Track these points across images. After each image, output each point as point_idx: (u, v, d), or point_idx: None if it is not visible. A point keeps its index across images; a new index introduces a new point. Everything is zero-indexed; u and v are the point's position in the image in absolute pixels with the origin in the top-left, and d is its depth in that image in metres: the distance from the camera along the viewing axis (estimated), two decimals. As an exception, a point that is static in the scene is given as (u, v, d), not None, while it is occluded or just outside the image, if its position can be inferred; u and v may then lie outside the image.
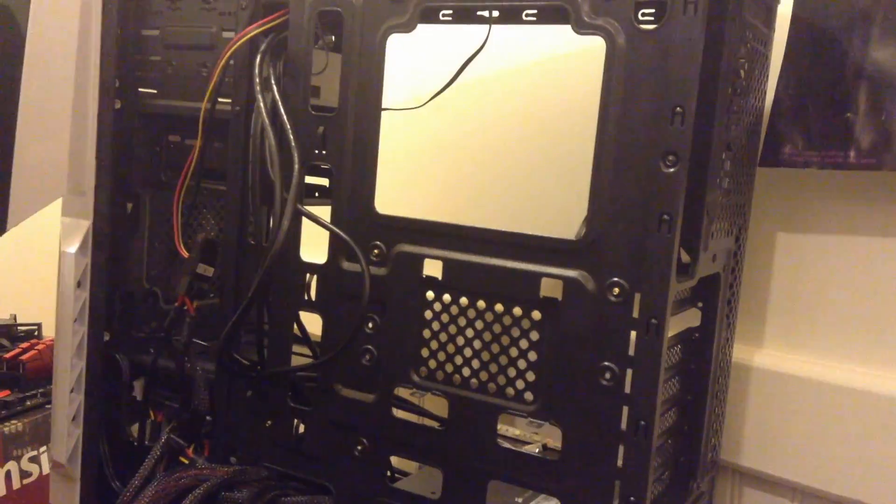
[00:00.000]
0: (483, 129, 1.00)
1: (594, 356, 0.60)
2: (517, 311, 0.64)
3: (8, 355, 1.32)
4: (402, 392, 0.71)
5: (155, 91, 0.83)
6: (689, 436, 0.72)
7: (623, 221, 0.59)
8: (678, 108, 0.56)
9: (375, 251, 0.69)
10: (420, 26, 0.66)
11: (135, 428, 0.87)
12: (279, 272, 0.73)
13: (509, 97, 0.98)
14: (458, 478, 0.67)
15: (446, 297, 0.67)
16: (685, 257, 0.61)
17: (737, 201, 0.73)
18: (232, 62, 0.75)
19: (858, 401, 0.76)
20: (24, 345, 1.36)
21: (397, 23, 0.66)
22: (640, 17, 0.57)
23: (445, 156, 1.04)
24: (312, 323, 0.76)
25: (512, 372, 0.64)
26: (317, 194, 0.79)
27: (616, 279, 0.59)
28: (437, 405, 0.71)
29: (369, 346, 0.70)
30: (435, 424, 0.72)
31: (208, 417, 0.80)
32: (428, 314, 0.67)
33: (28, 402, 1.29)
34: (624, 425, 0.60)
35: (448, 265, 0.66)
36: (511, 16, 0.64)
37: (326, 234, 0.71)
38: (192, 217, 0.84)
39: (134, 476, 0.78)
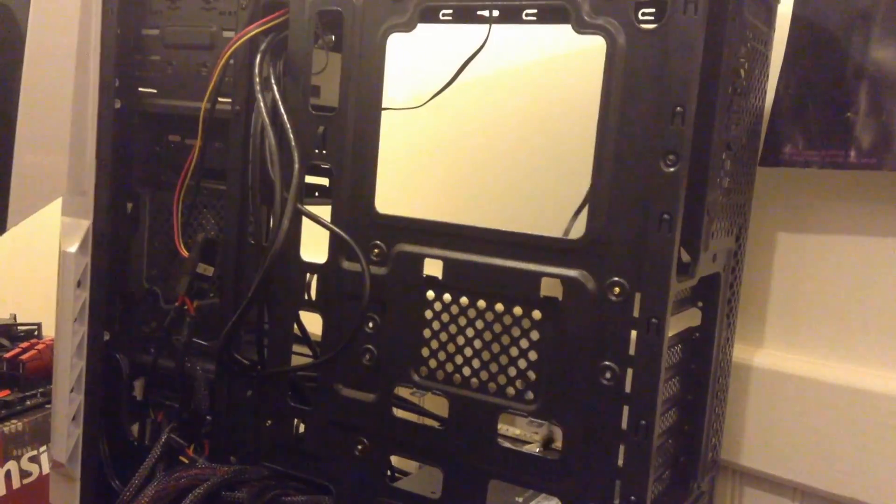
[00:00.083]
0: (483, 129, 1.00)
1: (594, 356, 0.60)
2: (517, 310, 0.64)
3: (8, 355, 1.32)
4: (403, 392, 0.71)
5: (155, 91, 0.83)
6: (690, 435, 0.72)
7: (623, 221, 0.59)
8: (678, 108, 0.56)
9: (375, 251, 0.69)
10: (420, 26, 0.66)
11: (135, 428, 0.87)
12: (279, 272, 0.73)
13: (509, 97, 0.98)
14: (458, 477, 0.67)
15: (446, 297, 0.67)
16: (685, 257, 0.61)
17: (737, 201, 0.73)
18: (232, 62, 0.75)
19: (859, 400, 0.76)
20: (24, 344, 1.36)
21: (397, 22, 0.66)
22: (641, 17, 0.57)
23: (445, 156, 1.04)
24: (312, 323, 0.76)
25: (512, 371, 0.64)
26: (317, 194, 0.79)
27: (616, 279, 0.59)
28: (438, 405, 0.71)
29: (369, 346, 0.70)
30: (435, 424, 0.72)
31: (208, 417, 0.80)
32: (428, 314, 0.67)
33: (28, 402, 1.29)
34: (624, 425, 0.60)
35: (448, 265, 0.66)
36: (511, 15, 0.64)
37: (326, 233, 0.71)
38: (192, 217, 0.84)
39: (134, 476, 0.78)
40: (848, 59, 0.74)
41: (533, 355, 0.63)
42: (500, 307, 0.64)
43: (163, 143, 0.86)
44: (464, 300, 0.66)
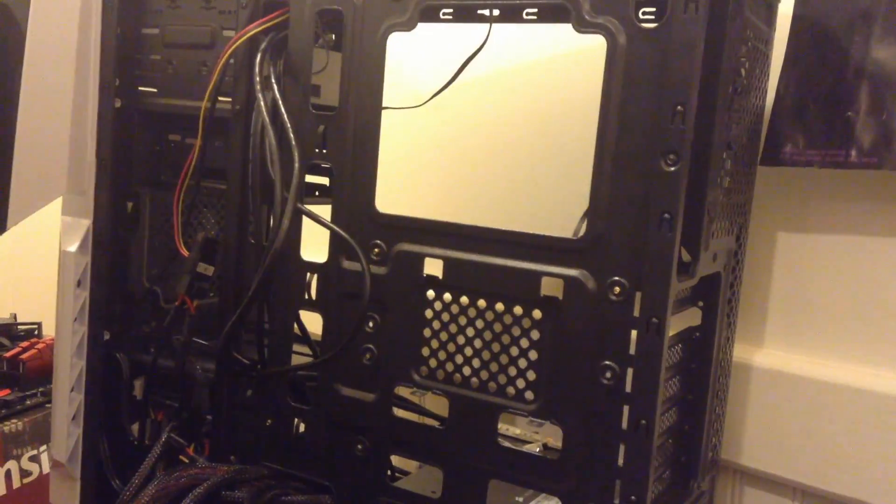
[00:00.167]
0: (483, 128, 1.00)
1: (595, 355, 0.60)
2: (518, 309, 0.64)
3: (8, 354, 1.32)
4: (403, 391, 0.71)
5: (155, 90, 0.83)
6: (690, 435, 0.72)
7: (624, 220, 0.59)
8: (679, 107, 0.56)
9: (376, 250, 0.69)
10: (420, 25, 0.66)
11: (135, 427, 0.87)
12: (279, 271, 0.73)
13: (509, 97, 0.98)
14: (458, 477, 0.67)
15: (447, 296, 0.66)
16: (686, 256, 0.61)
17: (737, 200, 0.72)
18: (232, 61, 0.75)
19: (859, 400, 0.76)
20: (24, 344, 1.36)
21: (398, 21, 0.66)
22: (641, 16, 0.57)
23: (445, 155, 1.04)
24: (312, 322, 0.76)
25: (512, 371, 0.64)
26: (317, 193, 0.79)
27: (617, 278, 0.59)
28: (438, 404, 0.71)
29: (370, 345, 0.70)
30: (435, 423, 0.72)
31: (208, 417, 0.80)
32: (428, 313, 0.67)
33: (28, 402, 1.29)
34: (624, 424, 0.60)
35: (448, 264, 0.66)
36: (511, 14, 0.64)
37: (327, 233, 0.71)
38: (192, 216, 0.84)
39: (134, 475, 0.78)
40: (849, 58, 0.73)
41: (533, 355, 0.63)
42: (500, 307, 0.64)
43: (163, 143, 0.86)
44: (464, 300, 0.66)
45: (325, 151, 0.71)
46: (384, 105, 0.69)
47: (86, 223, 0.83)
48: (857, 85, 0.73)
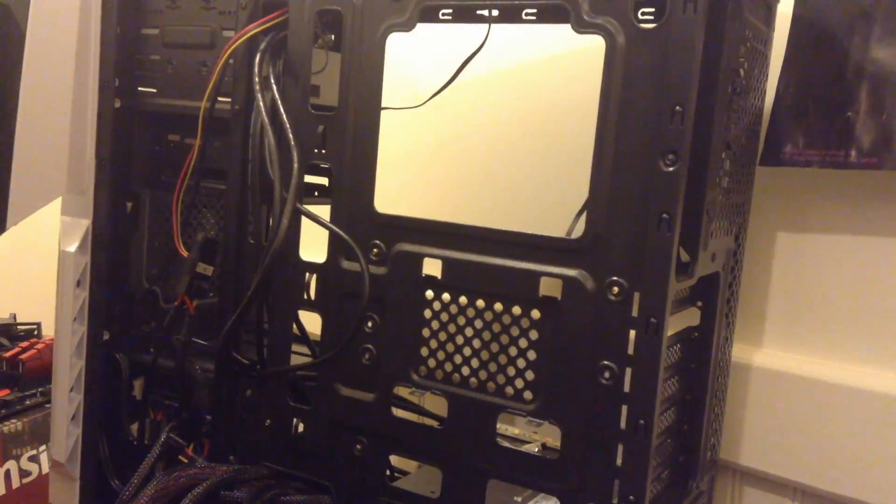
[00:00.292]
0: (483, 128, 1.00)
1: (593, 355, 0.60)
2: (516, 310, 0.64)
3: (7, 354, 1.32)
4: (402, 391, 0.71)
5: (154, 90, 0.83)
6: (689, 435, 0.72)
7: (623, 220, 0.59)
8: (678, 107, 0.56)
9: (375, 250, 0.69)
10: (420, 25, 0.66)
11: (134, 427, 0.87)
12: (279, 271, 0.73)
13: (509, 96, 0.98)
14: (457, 477, 0.67)
15: (445, 296, 0.67)
16: (685, 256, 0.61)
17: (736, 200, 0.72)
18: (231, 61, 0.75)
19: (858, 400, 0.76)
20: (24, 344, 1.36)
21: (397, 22, 0.66)
22: (640, 17, 0.57)
23: (445, 155, 1.04)
24: (312, 322, 0.76)
25: (511, 371, 0.64)
26: (316, 193, 0.79)
27: (615, 278, 0.59)
28: (437, 404, 0.71)
29: (369, 345, 0.70)
30: (434, 423, 0.72)
31: (208, 417, 0.80)
32: (427, 313, 0.67)
33: (27, 402, 1.29)
34: (623, 424, 0.60)
35: (447, 264, 0.66)
36: (511, 15, 0.64)
37: (326, 233, 0.71)
38: (191, 216, 0.84)
39: (133, 475, 0.78)
40: (848, 58, 0.73)
41: (532, 355, 0.63)
42: (499, 307, 0.64)
43: (162, 143, 0.86)
44: (463, 300, 0.66)
45: (324, 152, 0.71)
46: (383, 105, 0.69)
47: (85, 223, 0.83)
48: (856, 85, 0.73)
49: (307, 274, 0.74)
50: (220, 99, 0.76)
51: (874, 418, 0.75)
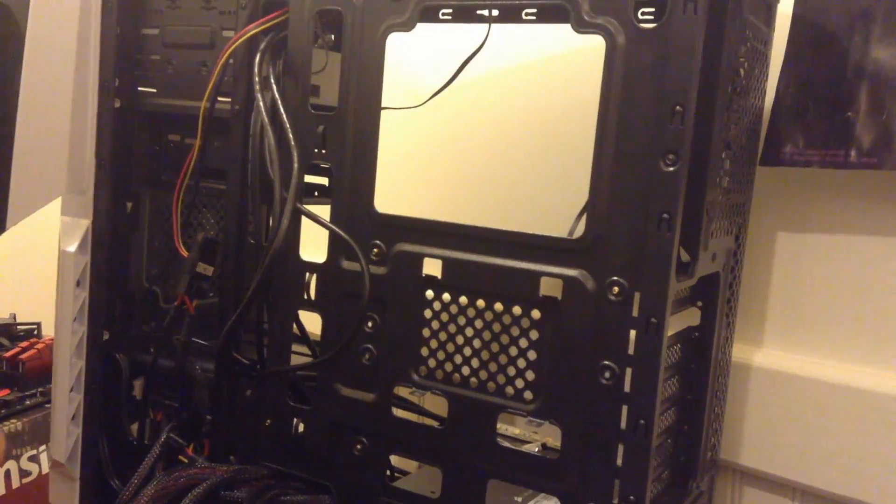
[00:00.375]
0: (483, 128, 1.00)
1: (594, 355, 0.60)
2: (517, 310, 0.64)
3: (7, 354, 1.32)
4: (402, 391, 0.71)
5: (154, 90, 0.83)
6: (689, 435, 0.72)
7: (623, 220, 0.59)
8: (678, 107, 0.56)
9: (375, 250, 0.69)
10: (420, 25, 0.66)
11: (134, 427, 0.87)
12: (279, 271, 0.73)
13: (509, 96, 0.98)
14: (457, 477, 0.67)
15: (446, 296, 0.67)
16: (685, 256, 0.61)
17: (737, 200, 0.73)
18: (231, 61, 0.75)
19: (858, 400, 0.76)
20: (24, 344, 1.36)
21: (397, 21, 0.66)
22: (640, 17, 0.57)
23: (445, 155, 1.04)
24: (312, 322, 0.76)
25: (511, 371, 0.64)
26: (316, 193, 0.79)
27: (616, 278, 0.59)
28: (437, 404, 0.71)
29: (369, 346, 0.70)
30: (434, 423, 0.72)
31: (208, 417, 0.80)
32: (427, 313, 0.67)
33: (27, 402, 1.29)
34: (623, 424, 0.60)
35: (447, 264, 0.66)
36: (511, 15, 0.64)
37: (326, 233, 0.71)
38: (191, 216, 0.84)
39: (133, 475, 0.78)
40: (848, 58, 0.73)
41: (532, 355, 0.63)
42: (499, 307, 0.64)
43: (162, 143, 0.86)
44: (463, 300, 0.66)
45: (324, 152, 0.71)
46: (384, 105, 0.69)
47: (85, 223, 0.83)
48: (856, 85, 0.73)
49: (307, 274, 0.74)
50: (220, 99, 0.76)
51: (874, 418, 0.75)
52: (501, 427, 0.87)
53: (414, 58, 0.97)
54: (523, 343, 0.64)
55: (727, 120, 0.64)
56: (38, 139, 0.85)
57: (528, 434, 0.85)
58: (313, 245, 0.74)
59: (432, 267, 0.67)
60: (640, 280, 0.58)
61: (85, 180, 0.83)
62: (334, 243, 0.71)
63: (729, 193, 0.69)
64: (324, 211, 0.72)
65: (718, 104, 0.61)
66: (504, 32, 0.69)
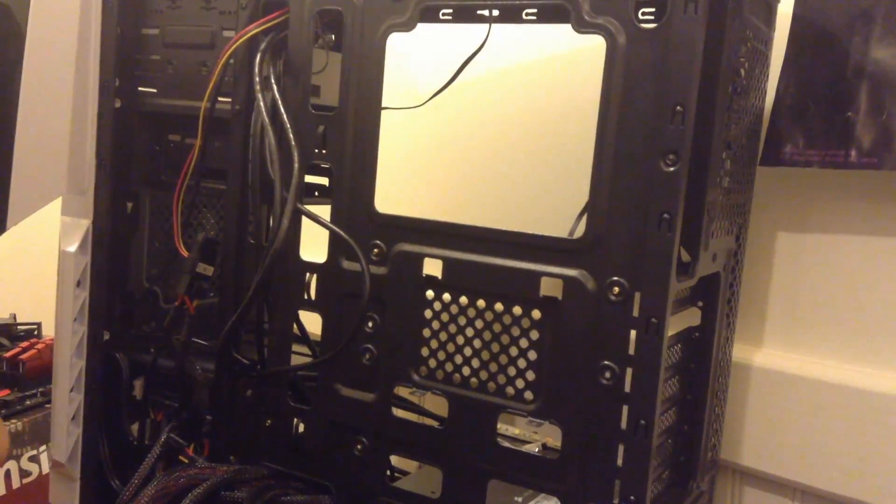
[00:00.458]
0: (483, 128, 1.00)
1: (594, 355, 0.60)
2: (517, 310, 0.64)
3: (8, 354, 1.32)
4: (402, 391, 0.71)
5: (155, 90, 0.83)
6: (689, 435, 0.72)
7: (623, 220, 0.59)
8: (678, 107, 0.56)
9: (375, 250, 0.69)
10: (420, 25, 0.66)
11: (134, 427, 0.87)
12: (279, 271, 0.73)
13: (509, 96, 0.98)
14: (457, 477, 0.67)
15: (446, 296, 0.67)
16: (685, 256, 0.61)
17: (737, 200, 0.72)
18: (232, 61, 0.75)
19: (858, 400, 0.76)
20: (24, 344, 1.36)
21: (397, 22, 0.66)
22: (641, 17, 0.57)
23: (445, 155, 1.04)
24: (312, 322, 0.76)
25: (512, 371, 0.64)
26: (317, 193, 0.79)
27: (616, 278, 0.59)
28: (437, 404, 0.71)
29: (369, 346, 0.70)
30: (435, 424, 0.72)
31: (208, 417, 0.80)
32: (428, 313, 0.67)
33: (28, 402, 1.29)
34: (624, 424, 0.60)
35: (448, 264, 0.66)
36: (511, 15, 0.64)
37: (326, 233, 0.71)
38: (191, 216, 0.84)
39: (134, 475, 0.78)
40: (848, 58, 0.73)
41: (532, 355, 0.63)
42: (499, 307, 0.64)
43: (163, 143, 0.86)
44: (463, 300, 0.66)
45: (324, 152, 0.71)
46: (384, 105, 0.69)
47: (85, 223, 0.83)
48: (857, 85, 0.73)
49: (307, 274, 0.74)
50: (220, 99, 0.76)
51: (874, 418, 0.75)
52: (502, 427, 0.87)
53: (414, 58, 0.96)
54: (524, 343, 0.64)
55: (727, 120, 0.64)
56: (39, 139, 0.85)
57: (529, 434, 0.85)
58: (313, 245, 0.74)
59: (432, 267, 0.67)
60: (640, 280, 0.58)
61: (85, 180, 0.83)
62: (334, 243, 0.71)
63: (729, 193, 0.69)
64: (324, 211, 0.72)
65: (719, 104, 0.61)
66: (504, 32, 0.69)
